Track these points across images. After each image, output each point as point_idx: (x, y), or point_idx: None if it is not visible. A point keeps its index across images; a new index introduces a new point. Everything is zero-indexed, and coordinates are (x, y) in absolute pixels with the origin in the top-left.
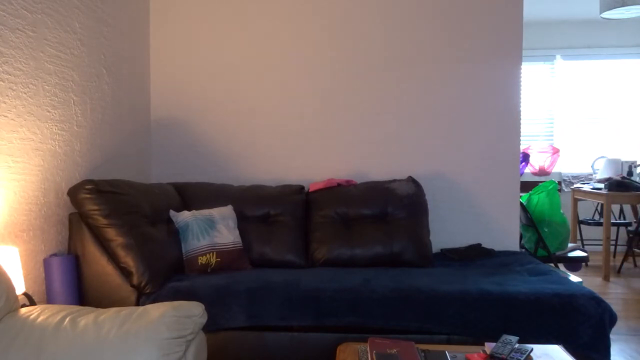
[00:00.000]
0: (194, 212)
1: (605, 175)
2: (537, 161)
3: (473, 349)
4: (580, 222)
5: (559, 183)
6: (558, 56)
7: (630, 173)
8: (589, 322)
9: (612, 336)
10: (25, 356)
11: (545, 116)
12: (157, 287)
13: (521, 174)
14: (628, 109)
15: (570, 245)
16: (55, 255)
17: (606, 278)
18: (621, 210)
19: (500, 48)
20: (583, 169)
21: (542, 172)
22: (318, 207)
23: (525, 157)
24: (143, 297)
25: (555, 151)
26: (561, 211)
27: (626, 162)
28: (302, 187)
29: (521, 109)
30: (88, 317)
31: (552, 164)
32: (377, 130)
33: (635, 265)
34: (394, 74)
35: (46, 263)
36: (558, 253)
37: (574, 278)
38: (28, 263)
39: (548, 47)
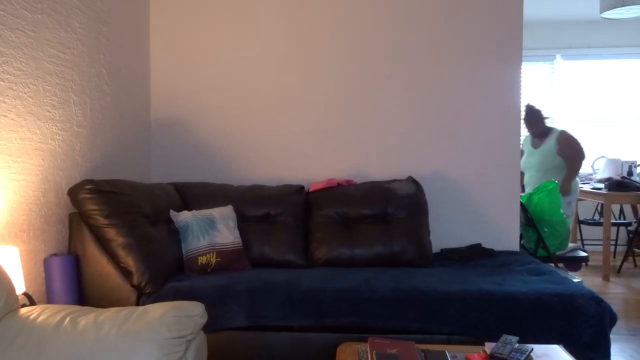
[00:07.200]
0: (194, 212)
1: (605, 175)
2: None
3: (473, 349)
4: (580, 222)
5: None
6: (558, 56)
7: (630, 173)
8: (589, 322)
9: (612, 336)
10: (25, 356)
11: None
12: (157, 287)
13: None
14: (628, 109)
15: (570, 245)
16: (55, 255)
17: (606, 278)
18: (621, 210)
19: (500, 48)
20: (583, 169)
21: None
22: (318, 207)
23: None
24: (143, 297)
25: None
26: (561, 211)
27: (626, 162)
28: (302, 187)
29: (521, 109)
30: (88, 317)
31: None
32: (377, 130)
33: (635, 265)
34: (394, 74)
35: (46, 263)
36: (558, 253)
37: (574, 278)
38: (28, 263)
39: (548, 47)
